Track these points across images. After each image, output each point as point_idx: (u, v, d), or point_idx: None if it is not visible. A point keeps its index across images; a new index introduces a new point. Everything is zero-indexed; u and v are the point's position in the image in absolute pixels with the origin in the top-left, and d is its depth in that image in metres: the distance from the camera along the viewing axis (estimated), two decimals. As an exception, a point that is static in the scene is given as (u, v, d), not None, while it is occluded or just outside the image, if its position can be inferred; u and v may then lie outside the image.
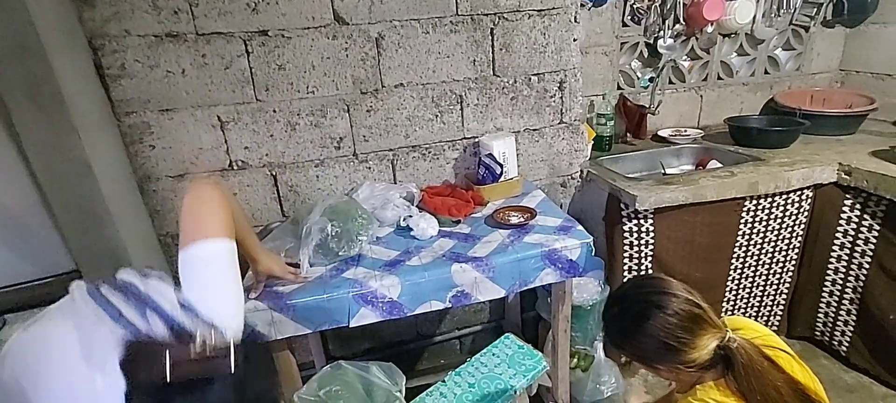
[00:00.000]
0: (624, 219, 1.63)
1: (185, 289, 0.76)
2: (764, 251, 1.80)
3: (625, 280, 1.72)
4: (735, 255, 1.79)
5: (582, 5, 1.66)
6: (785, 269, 1.87)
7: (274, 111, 1.48)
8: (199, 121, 1.43)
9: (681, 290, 0.93)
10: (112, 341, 0.67)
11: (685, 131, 2.12)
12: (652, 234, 1.65)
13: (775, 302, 1.96)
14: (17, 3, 1.09)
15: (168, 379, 0.60)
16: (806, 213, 1.76)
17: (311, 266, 1.25)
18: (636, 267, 1.71)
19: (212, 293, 0.77)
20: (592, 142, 1.91)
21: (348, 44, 1.46)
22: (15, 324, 2.64)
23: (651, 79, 2.01)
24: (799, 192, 1.70)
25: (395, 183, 1.66)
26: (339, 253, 1.30)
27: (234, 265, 0.84)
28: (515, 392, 1.39)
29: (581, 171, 1.86)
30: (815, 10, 2.12)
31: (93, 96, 1.31)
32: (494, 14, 1.55)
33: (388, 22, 1.47)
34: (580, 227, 1.38)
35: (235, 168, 1.52)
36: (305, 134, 1.53)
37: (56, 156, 1.25)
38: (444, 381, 1.44)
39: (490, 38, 1.58)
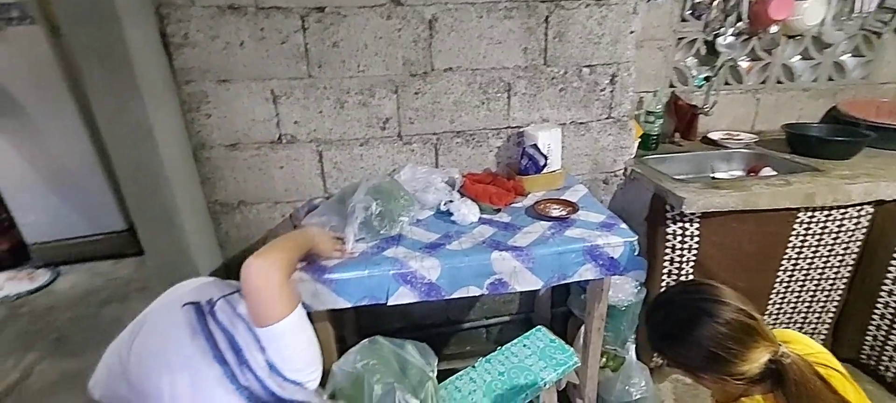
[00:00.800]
0: (668, 221, 1.59)
1: (269, 354, 0.94)
2: (814, 266, 1.72)
3: (665, 283, 1.68)
4: (782, 267, 1.72)
5: (641, -3, 1.60)
6: (834, 286, 1.79)
7: (324, 88, 1.50)
8: (253, 93, 1.47)
9: (733, 299, 0.90)
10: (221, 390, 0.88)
11: (738, 135, 2.04)
12: (696, 239, 1.60)
13: (820, 320, 1.87)
14: (95, -28, 1.14)
15: None
16: (863, 230, 1.67)
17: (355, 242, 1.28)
18: (676, 272, 1.67)
19: (291, 353, 0.96)
20: (639, 139, 1.86)
21: (402, 24, 1.46)
22: (68, 274, 2.82)
23: (706, 79, 1.94)
24: (858, 208, 1.61)
25: (437, 167, 1.67)
26: (381, 232, 1.32)
27: (305, 326, 0.99)
28: (544, 386, 1.39)
29: (625, 169, 1.81)
30: (891, 15, 1.98)
31: (157, 64, 1.36)
32: (551, 1, 1.52)
33: (442, 4, 1.46)
34: (624, 225, 1.35)
35: (284, 141, 1.56)
36: (353, 112, 1.55)
37: (121, 119, 1.30)
38: (474, 367, 1.46)
39: (544, 25, 1.55)
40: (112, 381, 0.99)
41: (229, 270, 1.63)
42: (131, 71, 1.24)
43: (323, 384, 1.21)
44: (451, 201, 1.46)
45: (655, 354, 0.99)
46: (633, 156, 1.83)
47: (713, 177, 1.86)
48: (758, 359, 0.86)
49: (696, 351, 0.89)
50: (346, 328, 1.83)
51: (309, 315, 1.23)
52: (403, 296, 1.23)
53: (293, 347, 0.96)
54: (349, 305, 1.23)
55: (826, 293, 1.80)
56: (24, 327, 2.35)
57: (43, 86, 2.48)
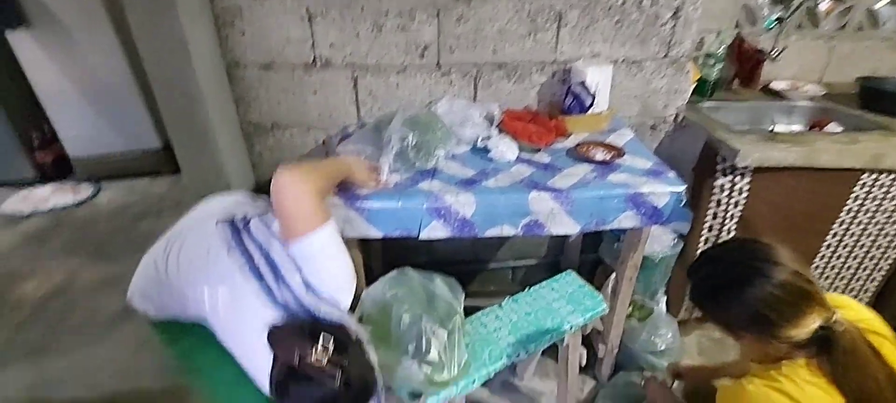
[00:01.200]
0: (717, 174, 1.50)
1: (305, 273, 0.92)
2: (867, 232, 1.62)
3: (704, 238, 1.62)
4: (833, 231, 1.62)
5: (719, -82, 1.41)
6: (885, 255, 1.69)
7: (362, 9, 1.41)
8: (288, 10, 1.40)
9: (790, 261, 0.84)
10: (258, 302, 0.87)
11: (803, 86, 1.86)
12: (745, 194, 1.51)
13: (863, 288, 1.79)
14: None
15: (295, 367, 0.77)
16: (932, 199, 1.54)
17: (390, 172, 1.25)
18: (718, 227, 1.59)
19: (326, 274, 0.94)
20: (694, 84, 1.72)
21: (449, -61, 1.34)
22: (108, 189, 2.93)
23: (778, 20, 1.74)
24: (932, 174, 1.48)
25: (476, 101, 1.59)
26: (416, 165, 1.28)
27: (339, 245, 0.96)
28: (570, 329, 1.39)
29: (676, 115, 1.69)
30: None
31: (192, -26, 1.30)
32: (616, -82, 1.36)
33: (494, -84, 1.32)
34: (672, 174, 1.27)
35: (319, 64, 1.50)
36: (391, 37, 1.47)
37: (156, 32, 1.27)
38: (500, 305, 1.46)
39: (606, -53, 1.39)
40: (149, 287, 1.02)
41: (261, 192, 1.64)
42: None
43: (352, 309, 1.23)
44: (488, 137, 1.40)
45: (696, 308, 0.95)
46: (685, 102, 1.70)
47: (772, 131, 1.73)
48: (808, 325, 0.82)
49: (744, 311, 0.85)
50: (372, 258, 1.86)
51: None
52: (436, 231, 1.22)
53: (328, 267, 0.95)
54: (380, 235, 1.22)
55: (875, 261, 1.70)
56: (69, 236, 2.48)
57: (79, 1, 2.46)
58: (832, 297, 0.91)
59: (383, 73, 1.53)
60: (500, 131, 1.44)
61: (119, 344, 1.70)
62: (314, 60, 1.49)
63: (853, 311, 0.92)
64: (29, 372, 1.60)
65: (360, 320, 1.19)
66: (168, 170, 2.98)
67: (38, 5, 2.46)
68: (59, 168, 3.04)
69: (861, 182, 1.49)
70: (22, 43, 2.57)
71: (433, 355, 1.10)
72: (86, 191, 2.90)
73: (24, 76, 2.69)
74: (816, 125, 1.72)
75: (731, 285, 0.86)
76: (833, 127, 1.66)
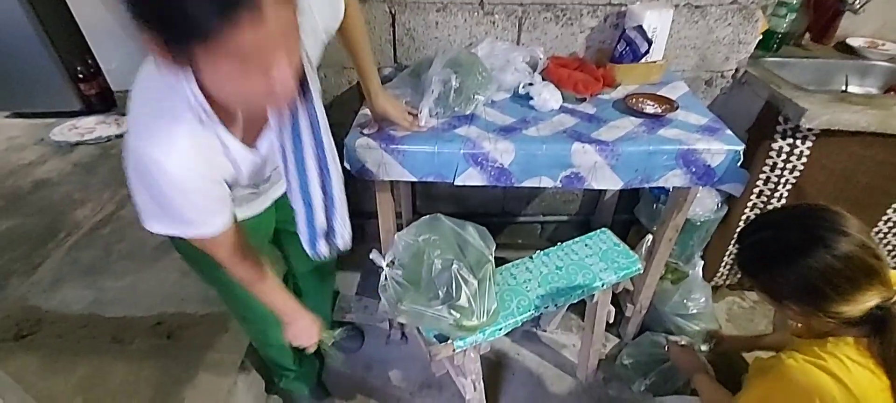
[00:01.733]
0: (776, 136, 1.39)
1: None
2: (936, 210, 1.49)
3: (752, 204, 1.53)
4: (894, 207, 1.50)
5: None
6: (953, 235, 1.56)
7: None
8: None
9: (857, 232, 0.77)
10: None
11: (884, 45, 1.68)
12: (804, 159, 1.40)
13: (921, 269, 1.68)
14: None
15: None
16: None
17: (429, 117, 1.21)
18: (769, 194, 1.50)
19: None
20: (760, 36, 1.57)
21: None
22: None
23: (868, -36, 1.55)
24: None
25: (519, 45, 1.50)
26: (455, 109, 1.24)
27: None
28: (602, 286, 1.36)
29: (736, 70, 1.56)
30: None
31: None
32: None
33: None
34: (729, 132, 1.18)
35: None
36: (432, -31, 1.38)
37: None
38: (531, 258, 1.44)
39: None
40: None
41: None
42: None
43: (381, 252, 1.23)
44: (530, 84, 1.33)
45: (742, 274, 0.91)
46: (748, 55, 1.56)
47: (844, 91, 1.58)
48: (865, 302, 0.77)
49: (796, 282, 0.80)
50: (401, 205, 1.86)
51: (372, 183, 1.23)
52: (471, 178, 1.19)
53: None
54: (414, 179, 1.21)
55: (939, 243, 1.58)
56: (115, 165, 2.58)
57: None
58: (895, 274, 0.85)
59: (423, 11, 1.45)
60: (544, 78, 1.36)
61: (165, 271, 1.79)
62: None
63: None
64: (86, 291, 1.71)
65: (391, 263, 1.20)
66: (206, 105, 3.02)
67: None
68: (103, 100, 3.13)
69: (939, 152, 1.36)
70: (66, -26, 2.59)
71: (463, 300, 1.11)
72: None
73: (68, 8, 2.72)
74: (893, 89, 1.56)
75: (788, 253, 0.81)
76: (914, 91, 1.50)
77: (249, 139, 0.77)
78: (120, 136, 2.86)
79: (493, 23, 1.47)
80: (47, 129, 2.90)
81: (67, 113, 3.05)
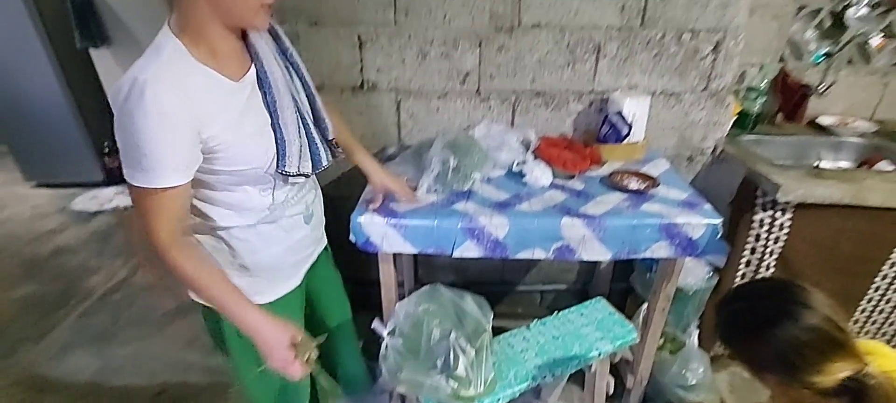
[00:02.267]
0: (756, 209, 1.47)
1: None
2: (922, 277, 1.54)
3: (742, 274, 1.59)
4: (882, 274, 1.55)
5: (763, -45, 1.43)
6: (943, 303, 1.59)
7: (409, 37, 1.51)
8: (341, 38, 1.51)
9: (822, 306, 0.82)
10: None
11: (853, 123, 1.81)
12: (786, 231, 1.48)
13: (918, 337, 1.69)
14: None
15: None
16: None
17: (427, 193, 1.31)
18: (757, 263, 1.56)
19: None
20: (735, 117, 1.71)
21: (493, -25, 1.42)
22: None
23: (826, 55, 1.71)
24: None
25: (513, 126, 1.64)
26: (454, 186, 1.34)
27: None
28: (598, 356, 1.39)
29: (715, 148, 1.68)
30: None
31: (257, 1, 1.43)
32: (657, -44, 1.40)
33: (537, -45, 1.39)
34: (708, 206, 1.27)
35: (366, 87, 1.60)
36: (434, 64, 1.55)
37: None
38: (528, 327, 1.48)
39: (646, -17, 1.43)
40: None
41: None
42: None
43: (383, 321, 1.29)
44: (524, 162, 1.44)
45: (721, 344, 0.95)
46: (724, 134, 1.69)
47: (816, 166, 1.68)
48: (835, 373, 0.80)
49: (769, 352, 0.84)
50: (403, 275, 1.92)
51: (375, 255, 1.31)
52: (469, 250, 1.26)
53: None
54: (415, 251, 1.28)
55: (931, 310, 1.61)
56: (130, 235, 2.69)
57: (157, 19, 2.70)
58: (867, 345, 0.89)
59: (425, 98, 1.61)
60: (536, 157, 1.48)
61: (171, 340, 1.83)
62: (362, 84, 1.59)
63: (888, 360, 0.89)
64: (93, 359, 1.75)
65: (392, 332, 1.25)
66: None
67: (120, 25, 2.74)
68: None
69: (914, 224, 1.43)
70: (102, 58, 2.86)
71: (460, 370, 1.14)
72: (146, 194, 3.14)
73: (100, 88, 2.98)
74: (866, 163, 1.67)
75: (758, 324, 0.86)
76: (884, 165, 1.61)
77: (235, 75, 0.86)
78: (137, 206, 3.00)
79: (489, 107, 1.62)
80: (69, 199, 3.05)
81: (89, 183, 3.22)
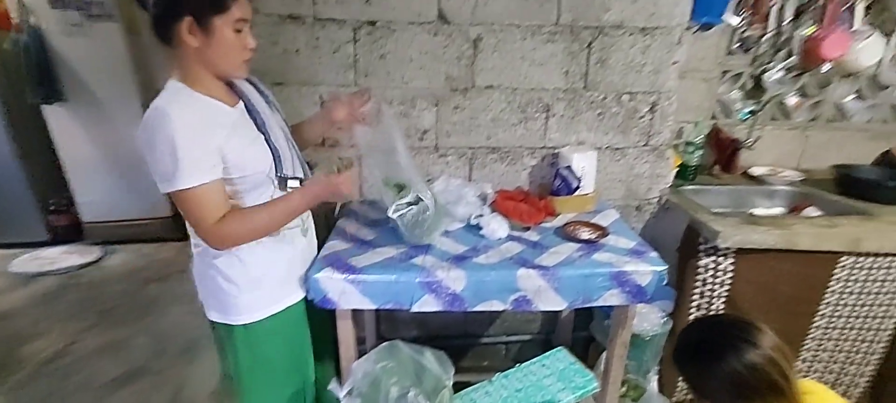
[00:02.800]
0: (700, 255, 1.56)
1: None
2: (855, 314, 1.64)
3: (693, 317, 1.64)
4: (820, 313, 1.65)
5: (688, 28, 1.60)
6: (877, 338, 1.69)
7: (369, 97, 1.57)
8: (303, 96, 1.56)
9: (768, 347, 0.88)
10: None
11: (782, 172, 1.98)
12: (730, 274, 1.56)
13: (859, 372, 1.78)
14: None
15: None
16: (914, 283, 1.58)
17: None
18: (706, 306, 1.63)
19: None
20: (676, 169, 1.84)
21: (447, 42, 1.52)
22: (117, 253, 3.01)
23: (751, 112, 1.90)
24: (909, 258, 1.53)
25: (470, 181, 1.70)
26: (415, 232, 1.34)
27: None
28: (561, 407, 1.39)
29: (659, 198, 1.79)
30: (958, 59, 1.88)
31: (219, 63, 1.47)
32: (595, 27, 1.54)
33: (488, 24, 1.51)
34: (654, 254, 1.34)
35: (326, 143, 1.63)
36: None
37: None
38: (490, 381, 1.47)
39: (586, 51, 1.57)
40: None
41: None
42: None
43: (341, 380, 1.26)
44: (481, 215, 1.49)
45: (676, 366, 1.01)
46: (669, 185, 1.81)
47: (752, 213, 1.81)
48: None
49: (713, 381, 0.90)
50: (365, 331, 1.88)
51: (333, 312, 1.29)
52: (427, 304, 1.26)
53: None
54: (374, 307, 1.27)
55: (867, 344, 1.71)
56: (75, 297, 2.53)
57: (115, 77, 2.71)
58: (807, 385, 0.94)
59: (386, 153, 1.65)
60: (493, 210, 1.53)
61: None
62: (322, 141, 1.63)
63: (822, 400, 0.94)
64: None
65: (350, 393, 1.22)
66: (175, 237, 3.09)
67: (77, 81, 2.70)
68: (70, 231, 3.15)
69: (841, 264, 1.55)
70: (55, 115, 2.79)
71: (420, 430, 1.12)
72: (93, 253, 2.99)
73: (50, 144, 2.88)
74: (796, 209, 1.81)
75: (708, 353, 0.92)
76: (812, 210, 1.75)
77: (230, 104, 1.04)
78: (84, 266, 2.84)
79: (447, 163, 1.68)
80: (8, 260, 2.86)
81: (32, 243, 3.04)
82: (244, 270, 1.10)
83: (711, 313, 1.64)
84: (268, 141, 1.07)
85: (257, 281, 1.12)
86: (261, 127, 1.07)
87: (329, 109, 1.29)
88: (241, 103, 1.08)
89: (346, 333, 1.39)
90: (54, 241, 3.09)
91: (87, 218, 3.08)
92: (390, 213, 1.29)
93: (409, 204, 1.30)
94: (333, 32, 1.48)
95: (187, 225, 1.08)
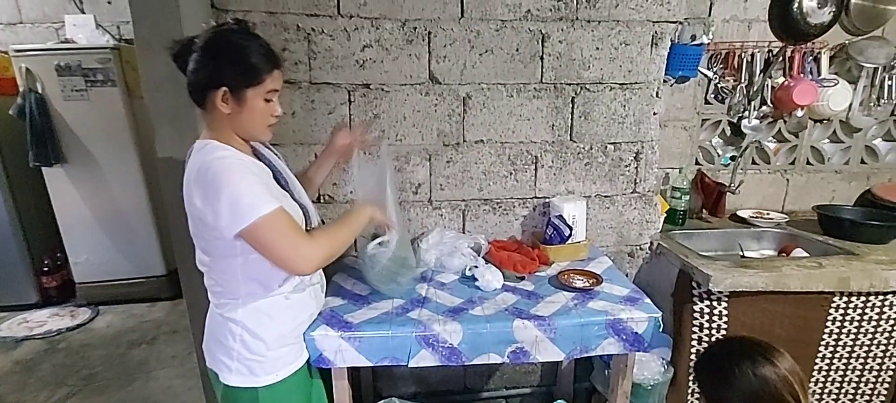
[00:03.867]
0: (695, 299, 1.57)
1: None
2: (855, 355, 1.64)
3: (693, 362, 1.63)
4: (820, 355, 1.64)
5: (664, 81, 1.69)
6: (880, 379, 1.68)
7: (364, 154, 1.62)
8: (299, 156, 1.60)
9: (784, 368, 0.91)
10: None
11: (768, 214, 2.03)
12: (725, 318, 1.57)
13: (870, 412, 1.75)
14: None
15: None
16: (908, 320, 1.59)
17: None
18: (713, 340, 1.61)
19: None
20: (665, 214, 1.88)
21: (438, 101, 1.60)
22: (106, 314, 2.95)
23: (733, 158, 1.97)
24: (900, 295, 1.55)
25: (465, 232, 1.73)
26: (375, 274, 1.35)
27: None
28: (565, 463, 1.34)
29: (651, 243, 1.82)
30: (922, 102, 1.99)
31: (218, 126, 1.53)
32: (577, 84, 1.63)
33: (476, 84, 1.59)
34: (648, 300, 1.35)
35: (323, 201, 1.66)
36: (388, 177, 1.66)
37: (181, 173, 1.44)
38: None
39: (570, 105, 1.65)
40: None
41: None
42: (195, 130, 1.39)
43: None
44: (476, 266, 1.50)
45: (695, 379, 1.04)
46: (659, 230, 1.84)
47: (742, 256, 1.84)
48: None
49: (727, 391, 0.92)
50: (363, 389, 1.84)
51: (329, 371, 1.28)
52: (424, 359, 1.25)
53: None
54: (371, 364, 1.25)
55: (871, 385, 1.69)
56: (60, 361, 2.45)
57: (114, 139, 2.77)
58: None
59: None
60: (487, 261, 1.55)
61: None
62: (319, 197, 1.66)
63: None
64: None
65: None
66: (167, 295, 3.05)
67: (78, 145, 2.76)
68: (62, 292, 3.10)
69: (834, 304, 1.56)
70: (55, 177, 2.82)
71: None
72: (83, 315, 2.93)
73: (49, 204, 2.90)
74: (784, 251, 1.84)
75: (725, 361, 0.94)
76: (799, 252, 1.78)
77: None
78: (72, 329, 2.77)
79: (441, 215, 1.72)
80: (-6, 325, 2.79)
81: (21, 306, 2.98)
82: (272, 325, 1.09)
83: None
84: (292, 195, 1.11)
85: (284, 337, 1.12)
86: (285, 185, 1.11)
87: (335, 135, 1.34)
88: (262, 163, 1.12)
89: (341, 394, 1.35)
90: (45, 303, 3.03)
91: (80, 279, 3.04)
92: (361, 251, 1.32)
93: (380, 243, 1.33)
94: (329, 95, 1.55)
95: (207, 281, 1.10)
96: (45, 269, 3.02)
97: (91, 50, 2.63)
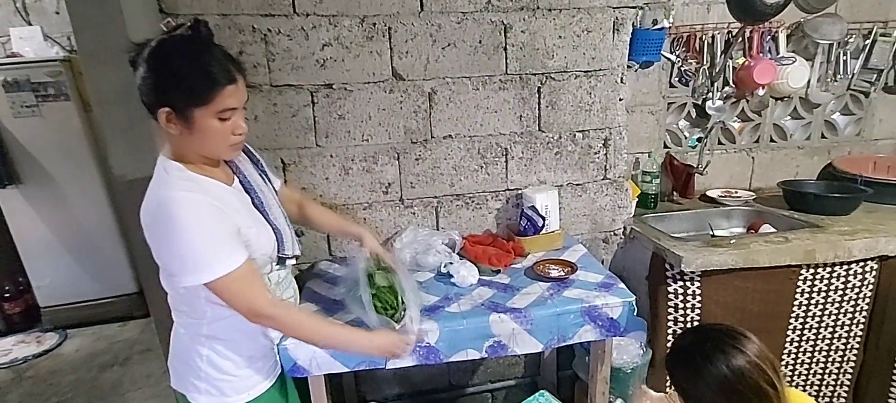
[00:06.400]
0: (668, 280, 1.59)
1: None
2: (824, 324, 1.69)
3: (670, 343, 1.65)
4: (791, 327, 1.68)
5: (628, 67, 1.70)
6: (849, 346, 1.73)
7: (331, 156, 1.59)
8: (266, 162, 1.55)
9: (754, 354, 0.90)
10: None
11: (736, 193, 2.07)
12: (698, 298, 1.59)
13: (838, 382, 1.80)
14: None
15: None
16: (871, 287, 1.64)
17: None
18: (681, 331, 1.64)
19: None
20: (637, 199, 1.90)
21: (403, 97, 1.57)
22: (75, 337, 2.84)
23: (699, 139, 2.00)
24: (862, 263, 1.60)
25: (438, 229, 1.71)
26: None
27: None
28: (549, 453, 1.34)
29: (624, 228, 1.84)
30: (875, 75, 2.06)
31: (176, 136, 1.47)
32: (542, 74, 1.63)
33: (441, 79, 1.57)
34: (622, 285, 1.36)
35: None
36: (357, 178, 1.63)
37: (140, 186, 1.38)
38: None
39: (537, 96, 1.65)
40: None
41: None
42: (152, 147, 1.33)
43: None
44: (451, 263, 1.49)
45: (667, 371, 1.02)
46: (631, 214, 1.86)
47: (713, 235, 1.87)
48: None
49: (702, 385, 0.92)
50: (344, 394, 1.81)
51: (305, 380, 1.24)
52: (402, 360, 1.23)
53: None
54: (347, 369, 1.23)
55: (840, 353, 1.74)
56: (28, 390, 2.35)
57: (72, 156, 2.65)
58: (792, 394, 0.96)
59: (352, 210, 1.66)
60: (462, 256, 1.53)
61: None
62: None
63: None
64: None
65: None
66: (140, 314, 2.94)
67: (33, 165, 2.63)
68: (27, 317, 2.96)
69: (802, 277, 1.60)
70: (10, 199, 2.68)
71: None
72: (50, 340, 2.81)
73: (6, 229, 2.76)
74: (753, 227, 1.88)
75: (697, 356, 0.93)
76: (767, 228, 1.82)
77: (227, 182, 1.01)
78: (39, 356, 2.65)
79: (414, 213, 1.69)
80: (-46, 357, 2.65)
81: (-17, 337, 2.83)
82: (242, 342, 1.04)
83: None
84: (267, 220, 1.05)
85: (254, 355, 1.08)
86: (259, 206, 1.05)
87: (366, 237, 1.25)
88: (237, 180, 1.05)
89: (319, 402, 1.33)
90: (8, 331, 2.89)
91: (45, 303, 2.91)
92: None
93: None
94: (291, 97, 1.51)
95: (171, 301, 1.04)
96: (7, 295, 2.88)
97: (39, 63, 2.50)
